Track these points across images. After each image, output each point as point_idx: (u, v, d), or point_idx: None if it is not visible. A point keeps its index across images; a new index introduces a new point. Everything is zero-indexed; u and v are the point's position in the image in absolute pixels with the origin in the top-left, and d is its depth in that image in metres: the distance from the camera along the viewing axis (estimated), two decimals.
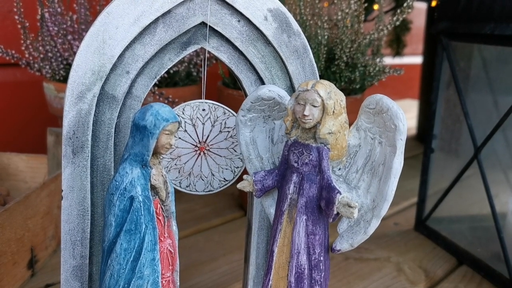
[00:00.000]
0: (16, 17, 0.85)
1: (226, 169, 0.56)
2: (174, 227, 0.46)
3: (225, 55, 0.51)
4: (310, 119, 0.44)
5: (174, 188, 0.48)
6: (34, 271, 0.67)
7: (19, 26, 0.86)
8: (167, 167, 0.55)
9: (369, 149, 0.46)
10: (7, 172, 0.84)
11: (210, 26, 0.50)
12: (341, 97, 0.45)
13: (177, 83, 0.93)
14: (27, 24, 0.86)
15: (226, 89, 0.86)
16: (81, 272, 0.49)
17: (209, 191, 0.57)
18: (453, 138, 0.85)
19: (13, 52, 0.86)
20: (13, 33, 0.94)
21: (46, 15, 0.86)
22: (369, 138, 0.46)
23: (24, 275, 0.65)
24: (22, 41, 0.87)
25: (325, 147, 0.45)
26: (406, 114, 0.43)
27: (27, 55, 0.88)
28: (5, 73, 1.06)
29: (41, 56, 0.88)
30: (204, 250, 0.78)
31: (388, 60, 1.02)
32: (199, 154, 0.55)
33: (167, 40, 0.49)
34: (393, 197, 0.43)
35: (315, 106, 0.43)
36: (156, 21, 0.48)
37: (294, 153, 0.46)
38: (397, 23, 0.81)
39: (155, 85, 0.88)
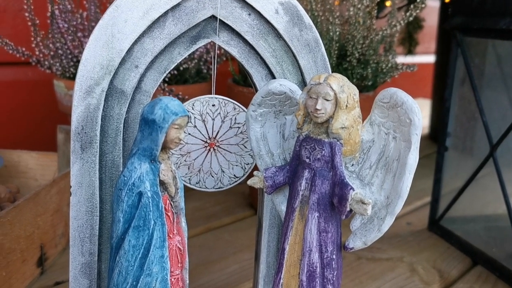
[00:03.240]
0: (26, 14, 0.85)
1: (236, 165, 0.55)
2: (184, 224, 0.46)
3: (235, 49, 0.51)
4: (323, 113, 0.43)
5: (184, 185, 0.47)
6: (44, 268, 0.67)
7: (29, 23, 0.86)
8: (177, 163, 0.54)
9: (383, 145, 0.44)
10: (17, 170, 0.84)
11: (220, 20, 0.49)
12: (354, 90, 0.44)
13: (187, 80, 0.92)
14: (37, 22, 0.86)
15: (236, 86, 0.85)
16: (90, 269, 0.49)
17: (219, 188, 0.56)
18: (467, 136, 0.84)
19: (24, 49, 0.86)
20: (23, 31, 0.94)
21: (56, 12, 0.85)
22: (383, 133, 0.44)
23: (33, 272, 0.64)
24: (32, 39, 0.87)
25: (338, 142, 0.44)
26: None
27: (37, 53, 0.88)
28: (16, 71, 1.06)
29: (52, 53, 0.88)
30: (214, 248, 0.77)
31: (400, 59, 1.01)
32: (209, 150, 0.55)
33: (176, 34, 0.48)
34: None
35: (327, 100, 0.42)
36: (165, 14, 0.47)
37: (306, 148, 0.45)
38: (410, 18, 0.80)
39: (164, 81, 0.87)
